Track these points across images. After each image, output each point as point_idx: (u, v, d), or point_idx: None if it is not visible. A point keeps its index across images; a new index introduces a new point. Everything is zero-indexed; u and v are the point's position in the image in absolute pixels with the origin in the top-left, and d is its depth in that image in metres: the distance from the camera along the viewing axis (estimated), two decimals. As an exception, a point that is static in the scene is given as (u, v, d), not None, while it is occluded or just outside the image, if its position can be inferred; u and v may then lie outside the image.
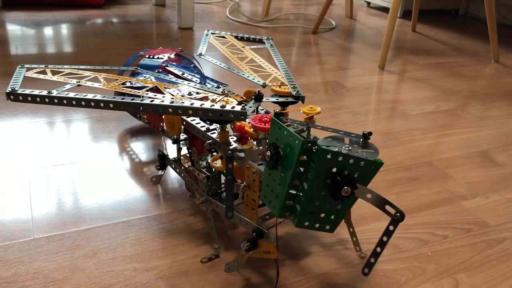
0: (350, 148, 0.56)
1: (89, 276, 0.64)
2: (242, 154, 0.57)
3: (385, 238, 0.53)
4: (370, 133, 0.57)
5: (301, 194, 0.55)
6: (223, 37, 1.02)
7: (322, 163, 0.51)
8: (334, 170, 0.53)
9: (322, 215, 0.56)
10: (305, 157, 0.52)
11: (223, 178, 0.76)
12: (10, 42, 1.65)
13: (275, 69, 0.86)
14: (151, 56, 1.02)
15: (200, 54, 0.92)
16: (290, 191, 0.55)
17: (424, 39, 2.07)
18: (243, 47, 0.96)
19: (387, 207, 0.52)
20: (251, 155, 0.57)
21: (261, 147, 0.68)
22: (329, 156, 0.51)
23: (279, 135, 0.55)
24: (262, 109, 0.78)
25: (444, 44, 2.01)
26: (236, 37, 1.02)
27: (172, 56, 1.01)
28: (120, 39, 1.77)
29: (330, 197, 0.54)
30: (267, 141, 0.65)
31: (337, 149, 0.54)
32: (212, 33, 1.03)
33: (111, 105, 0.67)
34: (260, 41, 1.02)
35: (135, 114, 1.01)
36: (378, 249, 0.53)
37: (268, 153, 0.55)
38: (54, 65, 0.90)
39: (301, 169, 0.53)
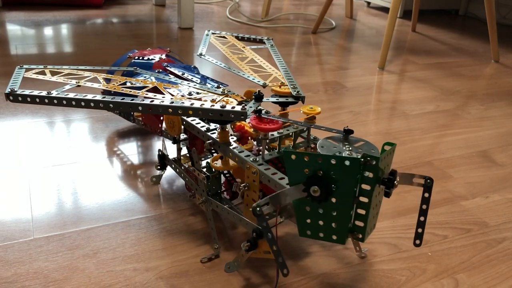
0: (350, 148, 0.57)
1: (89, 276, 0.64)
2: (267, 208, 0.53)
3: (424, 206, 0.56)
4: (351, 131, 0.58)
5: (360, 210, 0.54)
6: (224, 37, 1.02)
7: (378, 170, 0.51)
8: (306, 171, 0.52)
9: (373, 216, 0.56)
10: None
11: (223, 178, 0.76)
12: (10, 42, 1.65)
13: (275, 69, 0.86)
14: (141, 58, 1.00)
15: (201, 54, 0.92)
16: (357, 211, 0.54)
17: (424, 39, 2.07)
18: (244, 47, 0.96)
19: (415, 180, 0.56)
20: (279, 200, 0.54)
21: (261, 147, 0.68)
22: (379, 163, 0.50)
23: (310, 164, 0.52)
24: (262, 109, 0.78)
25: (444, 44, 2.01)
26: (237, 37, 1.02)
27: (163, 56, 1.00)
28: (120, 39, 1.77)
29: (380, 198, 0.55)
30: (267, 146, 0.64)
31: (350, 153, 0.54)
32: (213, 33, 1.03)
33: (110, 106, 0.67)
34: (261, 41, 1.02)
35: (129, 117, 0.98)
36: (422, 218, 0.57)
37: (316, 188, 0.51)
38: (53, 65, 0.90)
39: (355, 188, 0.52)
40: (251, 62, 0.88)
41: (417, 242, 0.58)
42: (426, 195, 0.56)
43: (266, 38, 1.02)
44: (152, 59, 0.99)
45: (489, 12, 1.70)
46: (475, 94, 1.43)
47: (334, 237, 0.55)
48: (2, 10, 2.10)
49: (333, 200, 0.53)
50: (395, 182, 0.53)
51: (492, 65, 1.74)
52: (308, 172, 0.52)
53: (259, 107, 0.73)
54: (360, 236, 0.55)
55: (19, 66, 0.87)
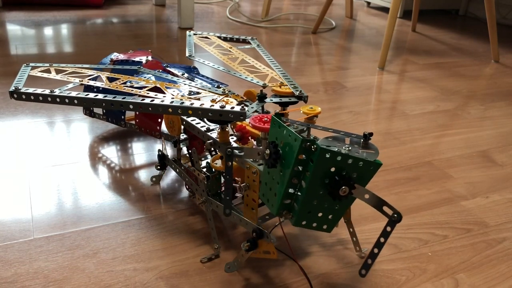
0: (350, 148, 0.56)
1: (89, 276, 0.64)
2: (241, 152, 0.58)
3: (382, 239, 0.52)
4: (371, 134, 0.57)
5: (299, 193, 0.55)
6: (207, 37, 1.01)
7: (321, 162, 0.51)
8: (333, 169, 0.53)
9: (320, 214, 0.56)
10: (304, 156, 0.52)
11: (223, 178, 0.76)
12: (10, 42, 1.65)
13: (269, 69, 0.86)
14: (125, 60, 0.98)
15: (190, 56, 0.91)
16: (289, 190, 0.55)
17: (424, 39, 2.07)
18: (231, 47, 0.95)
19: (385, 208, 0.52)
20: (250, 153, 0.58)
21: (261, 147, 0.68)
22: (328, 156, 0.51)
23: (279, 134, 0.55)
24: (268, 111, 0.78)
25: (444, 44, 2.01)
26: (219, 37, 1.01)
27: (150, 58, 0.99)
28: (120, 39, 1.77)
29: (328, 196, 0.54)
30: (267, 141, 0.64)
31: (336, 149, 0.54)
32: (195, 34, 1.02)
33: (112, 105, 0.67)
34: (245, 41, 1.01)
35: (119, 121, 0.96)
36: (376, 250, 0.53)
37: (267, 151, 0.55)
38: (59, 64, 0.90)
39: (300, 168, 0.53)
40: (242, 62, 0.88)
41: (363, 272, 0.54)
42: (388, 229, 0.52)
43: (250, 38, 1.01)
44: (137, 62, 0.97)
45: (489, 12, 1.70)
46: (475, 94, 1.43)
47: (271, 206, 0.58)
48: (2, 10, 2.10)
49: (280, 171, 0.55)
50: (342, 188, 0.52)
51: (492, 65, 1.74)
52: (275, 140, 0.56)
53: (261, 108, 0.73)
54: (293, 218, 0.56)
55: (25, 64, 0.87)
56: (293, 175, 0.53)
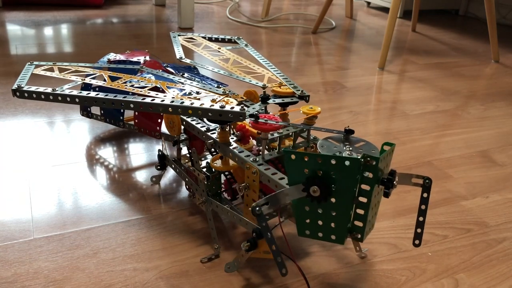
0: (350, 148, 0.57)
1: (89, 276, 0.64)
2: (269, 206, 0.53)
3: (423, 206, 0.56)
4: (352, 131, 0.58)
5: (359, 210, 0.54)
6: (192, 38, 1.00)
7: (378, 170, 0.51)
8: (306, 171, 0.52)
9: (372, 216, 0.56)
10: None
11: (223, 178, 0.76)
12: (10, 42, 1.65)
13: (264, 69, 0.86)
14: (122, 60, 0.98)
15: (181, 58, 0.90)
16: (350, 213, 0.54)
17: (424, 39, 2.07)
18: (219, 48, 0.94)
19: (414, 180, 0.56)
20: (278, 200, 0.54)
21: (260, 147, 0.68)
22: (379, 163, 0.50)
23: (310, 164, 0.51)
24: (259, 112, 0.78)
25: (444, 44, 2.01)
26: (205, 38, 1.00)
27: (147, 58, 0.99)
28: (120, 39, 1.77)
29: (379, 199, 0.55)
30: (267, 145, 0.64)
31: (348, 153, 0.54)
32: (179, 35, 1.01)
33: (113, 104, 0.67)
34: (231, 41, 1.01)
35: (117, 122, 0.96)
36: (421, 218, 0.57)
37: (316, 188, 0.51)
38: (62, 62, 0.90)
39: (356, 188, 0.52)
40: (235, 63, 0.88)
41: (416, 242, 0.58)
42: (425, 195, 0.56)
43: (236, 37, 1.00)
44: (136, 62, 0.97)
45: (489, 12, 1.70)
46: (475, 94, 1.43)
47: (333, 237, 0.55)
48: (2, 10, 2.10)
49: (333, 200, 0.52)
50: (394, 182, 0.53)
51: (492, 65, 1.74)
52: (307, 172, 0.52)
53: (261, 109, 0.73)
54: (359, 236, 0.55)
55: (29, 63, 0.87)
56: (354, 197, 0.52)
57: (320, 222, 0.55)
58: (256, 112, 0.64)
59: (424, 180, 0.55)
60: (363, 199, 0.53)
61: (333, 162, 0.50)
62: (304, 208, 0.55)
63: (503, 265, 0.71)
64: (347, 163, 0.50)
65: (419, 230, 0.58)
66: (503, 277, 0.68)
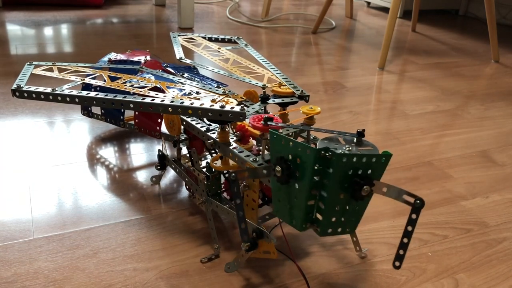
0: (350, 148, 0.56)
1: (89, 276, 0.64)
2: (245, 175, 0.55)
3: (409, 228, 0.52)
4: (363, 130, 0.57)
5: (320, 203, 0.54)
6: (192, 38, 1.00)
7: (339, 167, 0.51)
8: (350, 172, 0.52)
9: (343, 219, 0.56)
10: (319, 165, 0.51)
11: (222, 178, 0.76)
12: (10, 42, 1.65)
13: (264, 69, 0.85)
14: (123, 60, 0.98)
15: (181, 58, 0.90)
16: (309, 202, 0.54)
17: (424, 39, 2.07)
18: (219, 48, 0.94)
19: (405, 197, 0.51)
20: (256, 174, 0.55)
21: (260, 147, 0.68)
22: (344, 160, 0.51)
23: (283, 148, 0.54)
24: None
25: (444, 44, 2.01)
26: (204, 38, 1.00)
27: (148, 58, 0.98)
28: (120, 39, 1.77)
29: (349, 199, 0.54)
30: (267, 146, 0.64)
31: (341, 151, 0.53)
32: (179, 35, 1.01)
33: (112, 104, 0.67)
34: (230, 41, 1.00)
35: (118, 122, 0.96)
36: (405, 240, 0.53)
37: (278, 168, 0.53)
38: (61, 62, 0.90)
39: (316, 178, 0.52)
40: (235, 63, 0.88)
41: (397, 264, 0.53)
42: (414, 216, 0.50)
43: (236, 37, 1.00)
44: (136, 62, 0.97)
45: (489, 12, 1.70)
46: (475, 94, 1.43)
47: (293, 222, 0.56)
48: (2, 10, 2.10)
49: (296, 186, 0.54)
50: (364, 188, 0.52)
51: (492, 65, 1.74)
52: (281, 153, 0.54)
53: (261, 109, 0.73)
54: (318, 229, 0.55)
55: (28, 63, 0.87)
56: (312, 187, 0.53)
57: (286, 205, 0.56)
58: (270, 115, 0.64)
59: (415, 200, 0.50)
60: (323, 193, 0.53)
61: (299, 148, 0.52)
62: (276, 187, 0.57)
63: (503, 265, 0.71)
64: (308, 151, 0.51)
65: (401, 252, 0.53)
66: (503, 277, 0.68)
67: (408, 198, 0.51)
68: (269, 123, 0.62)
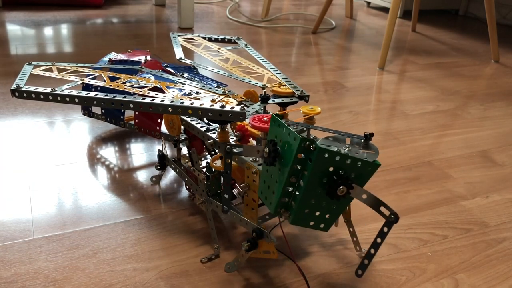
0: (350, 148, 0.57)
1: (89, 276, 0.64)
2: (240, 150, 0.58)
3: (379, 240, 0.53)
4: (371, 134, 0.57)
5: (297, 191, 0.55)
6: (192, 39, 1.00)
7: (319, 161, 0.51)
8: (331, 169, 0.53)
9: (317, 213, 0.56)
10: (303, 155, 0.52)
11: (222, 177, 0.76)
12: (10, 42, 1.65)
13: (264, 69, 0.85)
14: (123, 60, 0.97)
15: (181, 59, 0.90)
16: (287, 189, 0.55)
17: (424, 39, 2.07)
18: (219, 48, 0.94)
19: (382, 209, 0.52)
20: (249, 151, 0.58)
21: (260, 146, 0.68)
22: (326, 155, 0.51)
23: (278, 132, 0.55)
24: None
25: (444, 44, 2.01)
26: (204, 38, 1.00)
27: (148, 58, 0.98)
28: (120, 39, 1.77)
29: (326, 196, 0.54)
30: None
31: (335, 149, 0.54)
32: (179, 35, 1.01)
33: (112, 104, 0.67)
34: (230, 41, 1.00)
35: (118, 121, 0.96)
36: (372, 251, 0.53)
37: (266, 149, 0.55)
38: (61, 63, 0.89)
39: (298, 167, 0.53)
40: (235, 63, 0.88)
41: (359, 272, 0.54)
42: (385, 229, 0.52)
43: (236, 37, 1.00)
44: (137, 62, 0.97)
45: (489, 12, 1.70)
46: (475, 94, 1.43)
47: (269, 204, 0.57)
48: (2, 10, 2.10)
49: (279, 170, 0.55)
50: (340, 188, 0.52)
51: (492, 65, 1.74)
52: (275, 137, 0.56)
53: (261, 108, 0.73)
54: (290, 217, 0.56)
55: (27, 63, 0.87)
56: (292, 174, 0.54)
57: (268, 187, 0.57)
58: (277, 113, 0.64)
59: (389, 214, 0.51)
60: (301, 182, 0.54)
61: (289, 134, 0.53)
62: (264, 168, 0.58)
63: (503, 265, 0.71)
64: (294, 139, 0.52)
65: (366, 262, 0.53)
66: (503, 277, 0.68)
67: (385, 211, 0.52)
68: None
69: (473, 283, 0.67)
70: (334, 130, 0.61)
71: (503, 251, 0.74)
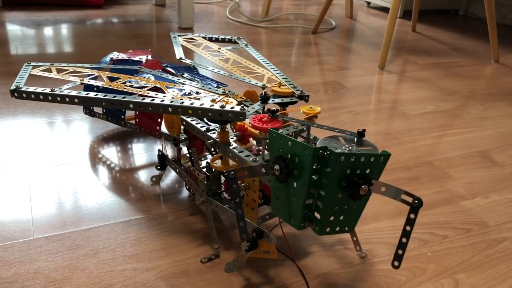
0: (350, 147, 0.57)
1: (89, 276, 0.64)
2: (245, 173, 0.55)
3: (408, 228, 0.52)
4: (364, 130, 0.57)
5: (318, 201, 0.54)
6: (192, 38, 1.00)
7: (338, 166, 0.51)
8: (348, 171, 0.52)
9: (341, 218, 0.56)
10: (315, 164, 0.51)
11: (223, 178, 0.76)
12: (10, 42, 1.65)
13: (264, 69, 0.85)
14: (125, 59, 0.97)
15: (181, 59, 0.90)
16: (307, 201, 0.54)
17: (424, 39, 2.07)
18: (219, 48, 0.94)
19: (403, 196, 0.51)
20: (254, 172, 0.55)
21: (260, 147, 0.68)
22: (342, 159, 0.51)
23: (283, 146, 0.54)
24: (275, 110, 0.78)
25: (444, 44, 2.01)
26: (205, 38, 1.00)
27: (150, 57, 0.98)
28: (120, 39, 1.77)
29: (348, 198, 0.54)
30: (267, 146, 0.64)
31: (340, 151, 0.53)
32: (179, 35, 1.00)
33: (112, 104, 0.67)
34: (230, 41, 1.00)
35: (119, 121, 0.96)
36: (404, 240, 0.52)
37: (277, 167, 0.53)
38: (60, 63, 0.89)
39: (315, 177, 0.52)
40: (235, 63, 0.88)
41: (396, 263, 0.53)
42: (412, 216, 0.51)
43: (236, 37, 1.00)
44: (138, 61, 0.97)
45: (489, 12, 1.70)
46: (475, 94, 1.43)
47: (292, 221, 0.56)
48: (2, 10, 2.10)
49: (294, 184, 0.54)
50: (362, 187, 0.52)
51: (492, 65, 1.74)
52: (280, 152, 0.54)
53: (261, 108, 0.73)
54: (316, 228, 0.55)
55: (26, 64, 0.87)
56: (310, 186, 0.53)
57: (284, 203, 0.56)
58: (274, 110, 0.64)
59: (413, 200, 0.50)
60: (322, 192, 0.53)
61: (297, 147, 0.52)
62: (274, 185, 0.57)
63: (503, 265, 0.71)
64: (306, 150, 0.51)
65: (400, 252, 0.53)
66: (503, 277, 0.68)
67: (407, 198, 0.51)
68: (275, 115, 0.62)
69: (473, 283, 0.67)
70: (328, 126, 0.61)
71: (503, 251, 0.74)
